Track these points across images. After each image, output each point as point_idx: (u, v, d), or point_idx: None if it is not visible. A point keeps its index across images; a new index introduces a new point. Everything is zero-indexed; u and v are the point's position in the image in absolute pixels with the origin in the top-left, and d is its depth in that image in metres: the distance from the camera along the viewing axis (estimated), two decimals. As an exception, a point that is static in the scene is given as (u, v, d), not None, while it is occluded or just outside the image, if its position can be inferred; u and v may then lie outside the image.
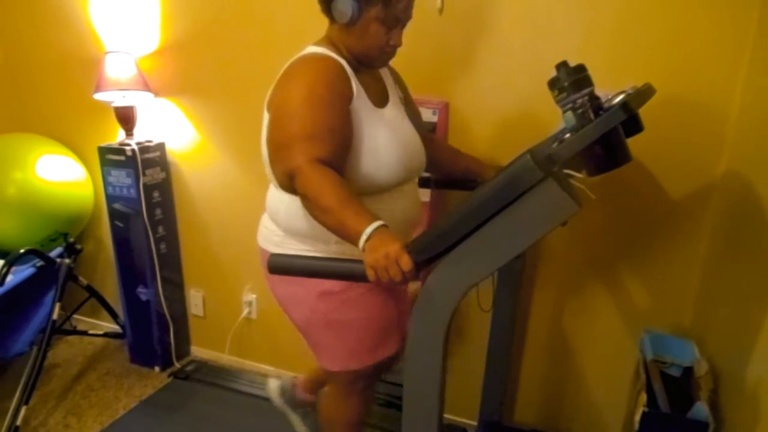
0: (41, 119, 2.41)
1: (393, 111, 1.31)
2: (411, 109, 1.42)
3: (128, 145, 2.07)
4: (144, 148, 2.09)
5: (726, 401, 1.28)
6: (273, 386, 1.79)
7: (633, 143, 1.01)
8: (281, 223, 1.29)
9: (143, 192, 2.10)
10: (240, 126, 2.07)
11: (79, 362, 2.40)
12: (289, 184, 1.12)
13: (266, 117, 1.22)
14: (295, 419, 1.77)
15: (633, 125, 1.07)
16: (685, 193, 1.57)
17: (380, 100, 1.28)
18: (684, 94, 1.48)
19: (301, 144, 1.09)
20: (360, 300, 1.30)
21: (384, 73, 1.37)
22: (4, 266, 1.83)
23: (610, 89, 1.04)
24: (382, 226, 0.98)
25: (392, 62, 1.32)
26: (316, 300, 1.29)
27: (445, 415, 2.00)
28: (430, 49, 1.70)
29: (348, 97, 1.18)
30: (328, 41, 1.24)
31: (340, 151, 1.14)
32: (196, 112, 2.13)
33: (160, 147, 2.17)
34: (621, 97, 0.94)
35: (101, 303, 2.35)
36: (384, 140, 1.22)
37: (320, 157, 1.07)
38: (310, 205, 1.07)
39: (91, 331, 2.44)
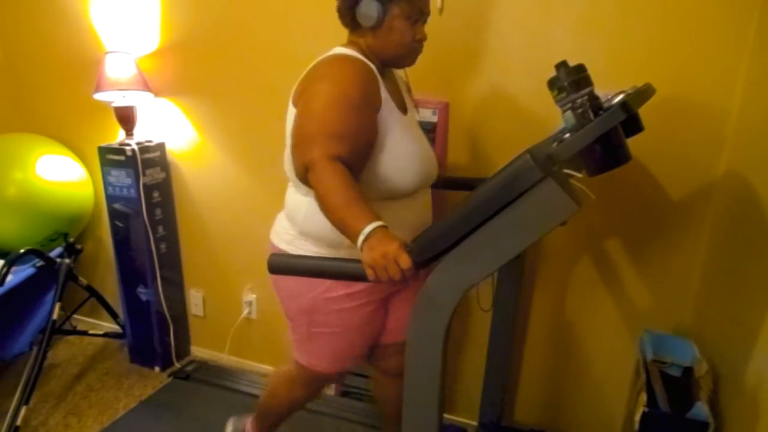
0: (41, 119, 2.41)
1: (411, 116, 1.34)
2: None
3: (128, 145, 2.07)
4: (144, 148, 2.09)
5: (726, 401, 1.28)
6: (229, 425, 1.80)
7: (633, 143, 1.01)
8: (298, 224, 1.30)
9: (143, 192, 2.10)
10: (240, 126, 2.07)
11: (79, 362, 2.40)
12: (304, 176, 1.13)
13: (292, 111, 1.23)
14: None
15: (633, 125, 1.07)
16: (685, 193, 1.57)
17: (402, 106, 1.30)
18: (684, 94, 1.48)
19: (322, 140, 1.10)
20: (352, 311, 1.33)
21: (399, 80, 1.39)
22: (4, 266, 1.83)
23: (610, 89, 1.04)
24: (381, 226, 0.98)
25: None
26: (313, 300, 1.32)
27: (445, 415, 2.00)
28: (430, 49, 1.68)
29: (376, 103, 1.19)
30: (355, 45, 1.25)
31: (359, 155, 1.15)
32: (196, 112, 2.13)
33: (160, 147, 2.17)
34: (621, 96, 0.94)
35: (101, 303, 2.35)
36: (408, 147, 1.24)
37: (339, 155, 1.09)
38: (319, 199, 1.09)
39: (91, 331, 2.44)
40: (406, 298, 1.45)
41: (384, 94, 1.22)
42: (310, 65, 1.23)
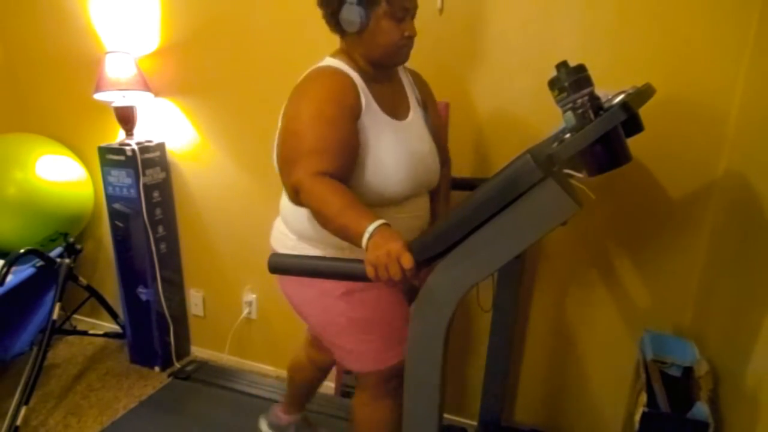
0: (41, 119, 2.41)
1: (412, 121, 1.30)
2: (431, 113, 1.39)
3: (128, 145, 2.07)
4: (144, 148, 2.09)
5: (726, 401, 1.28)
6: (262, 426, 1.81)
7: (633, 143, 1.01)
8: (294, 228, 1.30)
9: (143, 192, 2.10)
10: (240, 126, 2.07)
11: (79, 362, 2.40)
12: (296, 199, 1.14)
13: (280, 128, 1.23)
14: None
15: (633, 125, 1.07)
16: (685, 193, 1.57)
17: (398, 110, 1.27)
18: (684, 94, 1.48)
19: (305, 159, 1.11)
20: (378, 298, 1.30)
21: (404, 78, 1.36)
22: (4, 266, 1.83)
23: (610, 89, 1.04)
24: (384, 224, 0.99)
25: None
26: (335, 300, 1.29)
27: (445, 415, 2.00)
28: (430, 49, 1.70)
29: (356, 111, 1.18)
30: (344, 53, 1.25)
31: (344, 165, 1.14)
32: (196, 112, 2.13)
33: (160, 147, 2.17)
34: (621, 97, 0.94)
35: (101, 303, 2.35)
36: (392, 153, 1.22)
37: (323, 170, 1.09)
38: (316, 214, 1.09)
39: (91, 331, 2.44)
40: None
41: (366, 100, 1.20)
42: (298, 80, 1.23)
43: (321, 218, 1.08)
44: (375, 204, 1.20)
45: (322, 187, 1.07)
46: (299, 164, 1.11)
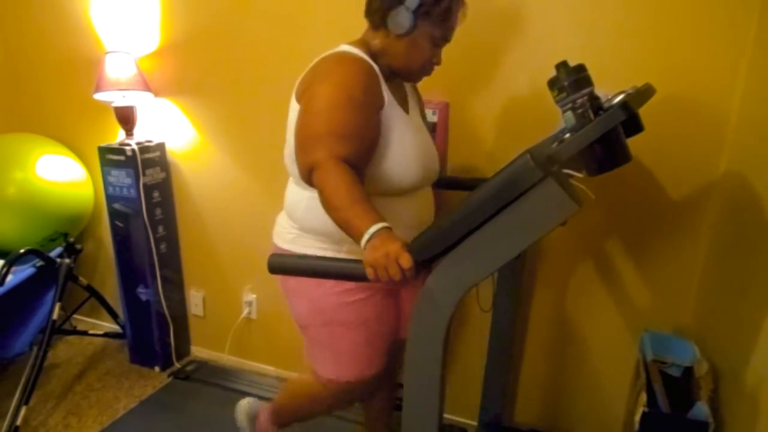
0: (41, 119, 2.41)
1: (414, 117, 1.35)
2: (422, 117, 1.44)
3: (128, 145, 2.07)
4: (144, 148, 2.10)
5: (726, 401, 1.28)
6: (243, 405, 1.74)
7: (633, 143, 1.01)
8: (298, 220, 1.31)
9: (143, 192, 2.10)
10: (240, 126, 2.07)
11: (79, 362, 2.40)
12: (308, 177, 1.14)
13: (295, 107, 1.22)
14: None
15: (633, 125, 1.07)
16: (685, 193, 1.57)
17: (404, 105, 1.31)
18: (684, 94, 1.48)
19: (328, 141, 1.11)
20: (364, 302, 1.32)
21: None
22: (4, 266, 1.83)
23: (610, 89, 1.04)
24: (386, 227, 0.99)
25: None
26: (323, 296, 1.31)
27: (445, 415, 2.00)
28: (430, 49, 1.70)
29: (379, 102, 1.20)
30: (364, 45, 1.25)
31: (364, 155, 1.16)
32: (196, 112, 2.13)
33: (160, 147, 2.17)
34: (621, 96, 0.94)
35: (101, 303, 2.35)
36: (409, 145, 1.25)
37: (343, 156, 1.09)
38: (324, 199, 1.09)
39: (91, 331, 2.44)
40: (415, 291, 1.42)
41: (386, 94, 1.22)
42: (314, 61, 1.23)
43: (327, 204, 1.08)
44: (389, 194, 1.24)
45: (337, 173, 1.07)
46: (320, 144, 1.11)
